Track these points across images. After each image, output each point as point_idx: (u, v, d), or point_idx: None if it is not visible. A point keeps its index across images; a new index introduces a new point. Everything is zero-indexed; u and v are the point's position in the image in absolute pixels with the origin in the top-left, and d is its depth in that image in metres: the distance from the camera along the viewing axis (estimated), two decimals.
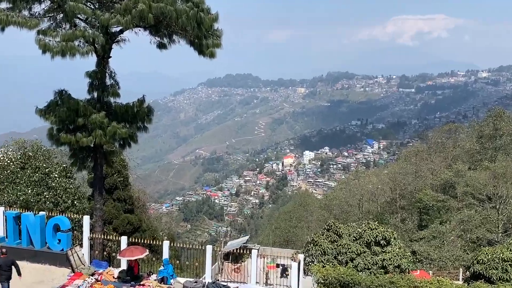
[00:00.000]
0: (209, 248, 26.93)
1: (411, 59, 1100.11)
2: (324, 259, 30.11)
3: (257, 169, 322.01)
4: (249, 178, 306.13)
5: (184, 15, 25.89)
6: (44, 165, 38.40)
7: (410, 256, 31.23)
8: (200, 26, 26.70)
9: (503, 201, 51.24)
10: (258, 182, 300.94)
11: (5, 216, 28.53)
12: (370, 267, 29.64)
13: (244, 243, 31.64)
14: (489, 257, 28.28)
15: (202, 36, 27.36)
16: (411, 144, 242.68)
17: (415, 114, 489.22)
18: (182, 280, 25.68)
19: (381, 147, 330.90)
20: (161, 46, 29.30)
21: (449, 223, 54.29)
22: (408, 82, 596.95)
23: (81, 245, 28.58)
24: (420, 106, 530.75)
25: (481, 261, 28.48)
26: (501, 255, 28.05)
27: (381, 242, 30.30)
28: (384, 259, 29.73)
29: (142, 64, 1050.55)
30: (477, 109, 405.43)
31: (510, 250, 28.69)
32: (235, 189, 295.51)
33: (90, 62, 28.54)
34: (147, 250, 25.83)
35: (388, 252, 29.99)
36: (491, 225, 50.78)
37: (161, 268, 25.81)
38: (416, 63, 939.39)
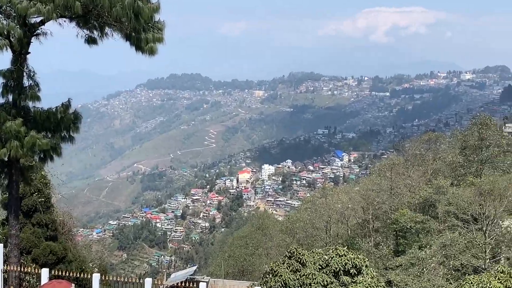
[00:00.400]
0: (148, 281, 26.56)
1: (385, 58, 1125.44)
2: None
3: (207, 186, 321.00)
4: (197, 198, 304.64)
5: (119, 4, 25.57)
6: None
7: (384, 287, 31.57)
8: (138, 17, 26.39)
9: (491, 222, 52.42)
10: (208, 202, 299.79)
11: None
12: None
13: (191, 274, 31.38)
14: (475, 287, 28.86)
15: (141, 29, 27.05)
16: (385, 156, 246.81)
17: (390, 122, 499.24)
18: None
19: (352, 160, 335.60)
20: (91, 40, 28.77)
21: (430, 248, 55.15)
22: (382, 84, 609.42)
23: None
24: (396, 113, 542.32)
25: None
26: (488, 284, 28.63)
27: (351, 270, 30.48)
28: None
29: (69, 62, 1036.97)
30: (460, 116, 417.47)
31: (499, 279, 29.33)
32: (181, 210, 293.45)
33: (5, 59, 27.86)
34: (73, 285, 25.27)
35: (359, 283, 30.20)
36: (477, 250, 51.82)
37: None
38: (391, 63, 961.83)
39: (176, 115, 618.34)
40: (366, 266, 31.26)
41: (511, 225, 56.07)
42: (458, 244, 51.74)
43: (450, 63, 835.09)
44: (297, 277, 31.02)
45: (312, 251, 33.99)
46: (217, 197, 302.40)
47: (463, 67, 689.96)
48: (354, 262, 30.82)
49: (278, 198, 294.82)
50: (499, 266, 33.60)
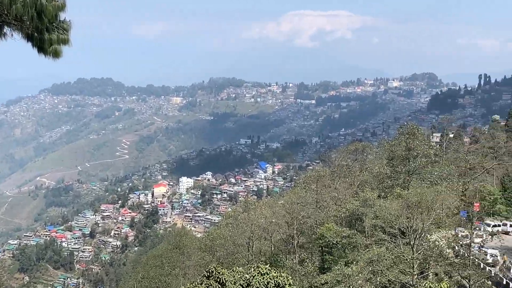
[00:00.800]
0: None
1: (311, 63, 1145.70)
2: None
3: (119, 201, 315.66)
4: (108, 214, 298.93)
5: (20, 1, 24.88)
6: None
7: None
8: (41, 16, 25.71)
9: (418, 236, 53.99)
10: (120, 218, 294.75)
11: None
12: None
13: None
14: None
15: (44, 29, 26.35)
16: (311, 167, 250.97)
17: (316, 131, 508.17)
18: None
19: (276, 172, 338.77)
20: None
21: (356, 264, 56.31)
22: (307, 91, 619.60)
23: None
24: (322, 121, 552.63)
25: None
26: None
27: None
28: None
29: None
30: (387, 125, 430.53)
31: None
32: (90, 228, 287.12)
33: None
34: None
35: None
36: (405, 265, 53.22)
37: None
38: (316, 69, 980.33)
39: (85, 123, 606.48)
40: (290, 284, 31.46)
41: (439, 239, 57.98)
42: (386, 260, 52.98)
43: (377, 69, 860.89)
44: None
45: (233, 270, 33.92)
46: (130, 213, 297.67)
47: (390, 74, 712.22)
48: (277, 281, 30.96)
49: (197, 213, 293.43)
50: (427, 282, 34.70)
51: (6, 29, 27.53)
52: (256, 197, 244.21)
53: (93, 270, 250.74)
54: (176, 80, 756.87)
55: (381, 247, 56.84)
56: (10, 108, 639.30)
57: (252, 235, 73.17)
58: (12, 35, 27.63)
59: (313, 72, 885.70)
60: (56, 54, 27.45)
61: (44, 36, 26.71)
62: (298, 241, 71.02)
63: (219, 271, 32.36)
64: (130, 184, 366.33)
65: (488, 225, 74.62)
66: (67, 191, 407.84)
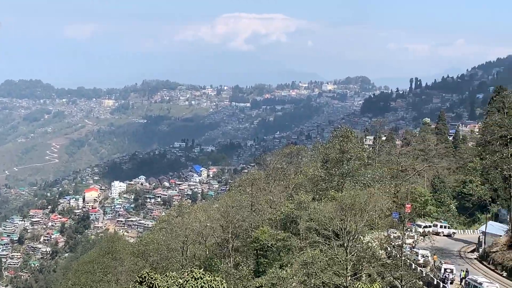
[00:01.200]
0: None
1: (245, 66, 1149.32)
2: None
3: (49, 206, 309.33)
4: (37, 219, 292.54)
5: None
6: None
7: None
8: None
9: (352, 238, 54.86)
10: (50, 224, 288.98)
11: None
12: None
13: None
14: None
15: None
16: (246, 170, 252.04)
17: (251, 134, 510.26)
18: None
19: (211, 175, 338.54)
20: None
21: (291, 267, 56.89)
22: (242, 94, 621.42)
23: None
24: (257, 124, 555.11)
25: None
26: None
27: None
28: None
29: None
30: (322, 128, 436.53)
31: None
32: (18, 234, 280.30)
33: None
34: None
35: None
36: (338, 267, 53.96)
37: None
38: (251, 72, 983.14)
39: (13, 126, 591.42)
40: None
41: (371, 240, 59.13)
42: (320, 262, 53.65)
43: (312, 73, 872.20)
44: None
45: (166, 275, 33.70)
46: (60, 218, 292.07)
47: (324, 77, 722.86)
48: (211, 285, 30.93)
49: (130, 218, 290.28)
50: (360, 284, 35.32)
51: None
52: (190, 201, 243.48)
53: (22, 277, 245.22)
54: (108, 82, 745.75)
55: (315, 249, 57.51)
56: None
57: (186, 239, 72.88)
58: None
59: (248, 75, 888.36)
60: None
61: None
62: (233, 245, 71.08)
63: (152, 276, 32.10)
64: (60, 189, 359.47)
65: (419, 226, 76.64)
66: None
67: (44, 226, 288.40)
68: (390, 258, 56.90)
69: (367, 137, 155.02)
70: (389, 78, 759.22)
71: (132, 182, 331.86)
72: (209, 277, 31.66)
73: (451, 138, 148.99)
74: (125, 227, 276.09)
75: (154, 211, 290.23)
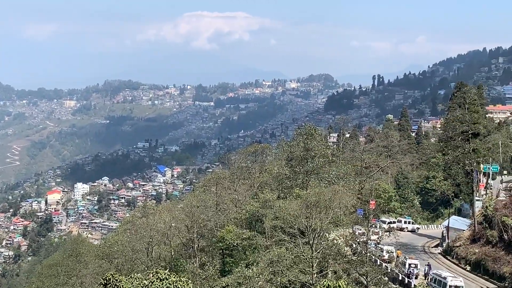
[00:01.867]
0: None
1: (208, 65, 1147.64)
2: None
3: (11, 210, 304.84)
4: None
5: None
6: None
7: None
8: None
9: (317, 235, 55.12)
10: (12, 227, 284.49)
11: None
12: None
13: None
14: None
15: None
16: (211, 170, 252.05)
17: (215, 133, 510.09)
18: None
19: (175, 175, 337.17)
20: None
21: (257, 265, 56.82)
22: (206, 93, 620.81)
23: None
24: (221, 123, 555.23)
25: None
26: None
27: None
28: None
29: None
30: (286, 126, 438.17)
31: None
32: None
33: None
34: None
35: None
36: (304, 264, 54.19)
37: None
38: (214, 71, 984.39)
39: None
40: None
41: (337, 237, 59.45)
42: (286, 260, 53.77)
43: (275, 71, 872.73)
44: None
45: (131, 277, 33.44)
46: (22, 221, 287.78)
47: (288, 75, 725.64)
48: (176, 286, 30.80)
49: (93, 220, 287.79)
50: (326, 281, 35.43)
51: None
52: (155, 201, 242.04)
53: None
54: (69, 83, 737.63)
55: (281, 247, 57.61)
56: None
57: (151, 240, 72.39)
58: None
59: (211, 74, 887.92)
60: None
61: None
62: (198, 245, 70.83)
63: (117, 278, 31.83)
64: (22, 192, 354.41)
65: (384, 222, 77.39)
66: None
67: (6, 230, 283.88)
68: (356, 255, 57.18)
69: (331, 134, 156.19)
70: (352, 76, 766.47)
71: (95, 184, 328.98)
72: (174, 277, 31.56)
73: (413, 134, 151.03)
74: (89, 229, 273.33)
75: (118, 212, 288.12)
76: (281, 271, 53.32)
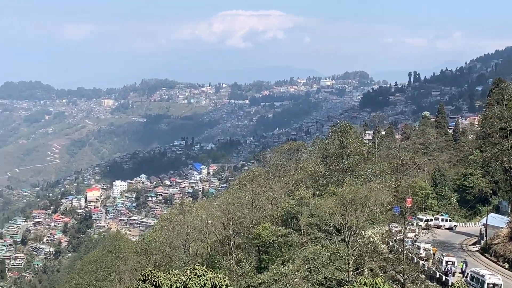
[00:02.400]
0: None
1: (243, 63, 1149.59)
2: None
3: (52, 207, 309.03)
4: (40, 220, 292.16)
5: None
6: None
7: None
8: None
9: (353, 233, 54.65)
10: (53, 224, 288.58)
11: None
12: None
13: None
14: None
15: None
16: (246, 167, 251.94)
17: (251, 131, 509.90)
18: None
19: (211, 173, 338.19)
20: None
21: (293, 262, 56.59)
22: (241, 91, 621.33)
23: None
24: (256, 121, 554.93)
25: None
26: None
27: None
28: None
29: None
30: (321, 124, 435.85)
31: None
32: (21, 235, 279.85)
33: None
34: None
35: None
36: (340, 262, 53.77)
37: None
38: (249, 69, 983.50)
39: (13, 128, 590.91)
40: (227, 285, 31.29)
41: (373, 235, 58.84)
42: (322, 257, 53.39)
43: (310, 69, 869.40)
44: None
45: (169, 273, 33.51)
46: (62, 218, 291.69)
47: (322, 73, 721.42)
48: (213, 282, 30.73)
49: (132, 216, 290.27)
50: (362, 278, 35.02)
51: None
52: (191, 198, 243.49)
53: (26, 277, 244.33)
54: (107, 82, 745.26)
55: (316, 244, 57.25)
56: None
57: (188, 237, 72.66)
58: None
59: (246, 72, 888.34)
60: None
61: None
62: (234, 242, 70.82)
63: (155, 274, 31.92)
64: (62, 189, 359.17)
65: (421, 219, 76.37)
66: None
67: (47, 227, 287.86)
68: (392, 252, 56.59)
69: (366, 131, 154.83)
70: (388, 72, 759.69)
71: (133, 181, 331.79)
72: (211, 274, 31.49)
73: (450, 131, 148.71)
74: (127, 226, 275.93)
75: (156, 209, 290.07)
76: (317, 268, 52.99)
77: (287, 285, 52.14)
